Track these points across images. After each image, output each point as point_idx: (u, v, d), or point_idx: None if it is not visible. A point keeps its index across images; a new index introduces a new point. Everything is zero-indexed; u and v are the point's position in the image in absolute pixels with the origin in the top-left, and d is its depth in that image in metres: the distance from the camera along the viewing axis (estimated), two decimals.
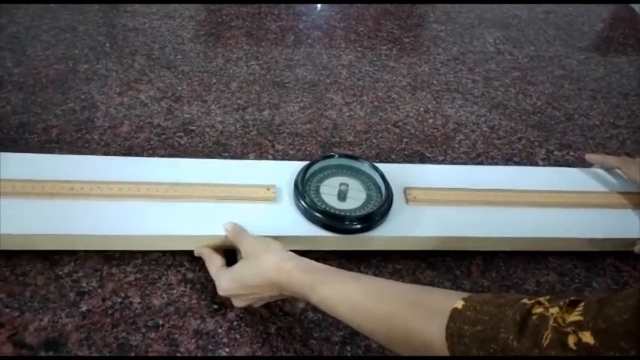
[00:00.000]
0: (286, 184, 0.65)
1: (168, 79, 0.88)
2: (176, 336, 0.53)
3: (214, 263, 0.56)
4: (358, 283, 0.48)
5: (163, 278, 0.58)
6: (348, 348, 0.55)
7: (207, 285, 0.58)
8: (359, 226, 0.61)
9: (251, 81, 0.91)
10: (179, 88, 0.86)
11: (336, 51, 1.04)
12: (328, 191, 0.65)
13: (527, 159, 0.84)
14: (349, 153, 0.75)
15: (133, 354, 0.51)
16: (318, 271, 0.50)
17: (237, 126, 0.80)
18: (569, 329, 0.33)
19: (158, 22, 1.03)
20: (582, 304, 0.34)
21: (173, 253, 0.61)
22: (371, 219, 0.62)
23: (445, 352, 0.39)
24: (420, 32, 1.18)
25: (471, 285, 0.64)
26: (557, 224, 0.66)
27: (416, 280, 0.63)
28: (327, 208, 0.62)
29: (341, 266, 0.55)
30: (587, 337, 0.32)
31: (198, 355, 0.52)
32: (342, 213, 0.62)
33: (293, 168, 0.67)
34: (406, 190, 0.67)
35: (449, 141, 0.84)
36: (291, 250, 0.53)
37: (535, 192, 0.69)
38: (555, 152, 0.86)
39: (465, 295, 0.42)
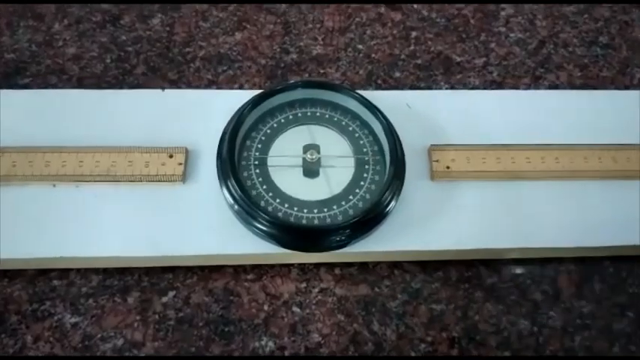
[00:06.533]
0: (209, 141, 0.35)
1: None
2: None
3: None
4: None
5: None
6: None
7: None
8: (344, 238, 0.32)
9: None
10: None
11: None
12: (283, 162, 0.34)
13: None
14: (319, 79, 0.42)
15: None
16: None
17: (108, 61, 0.44)
18: None
19: None
20: None
21: None
22: (365, 224, 0.32)
23: None
24: None
25: (564, 318, 0.36)
26: None
27: (472, 328, 0.35)
28: (284, 212, 0.32)
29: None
30: None
31: None
32: (314, 223, 0.32)
33: (223, 105, 0.36)
34: (431, 153, 0.35)
35: (489, 23, 0.48)
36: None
37: None
38: None
39: None
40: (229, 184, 0.31)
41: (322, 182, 0.33)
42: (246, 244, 0.32)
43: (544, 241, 0.34)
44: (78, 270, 0.35)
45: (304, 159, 0.34)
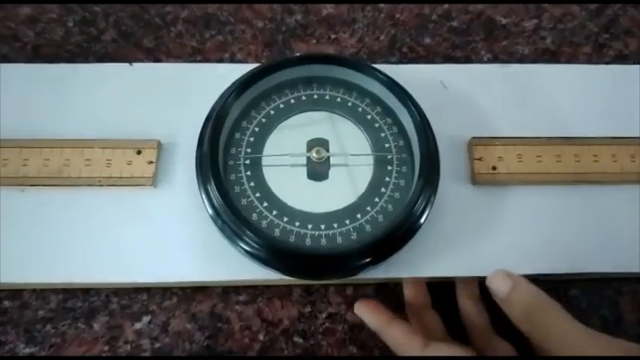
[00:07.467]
0: (188, 133, 0.28)
1: None
2: None
3: None
4: None
5: None
6: None
7: None
8: (360, 265, 0.25)
9: None
10: None
11: None
12: (282, 161, 0.27)
13: None
14: (328, 53, 0.34)
15: None
16: None
17: (70, 24, 0.35)
18: None
19: None
20: None
21: None
22: (387, 245, 0.25)
23: None
24: None
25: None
26: None
27: None
28: (282, 228, 0.25)
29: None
30: None
31: None
32: (320, 244, 0.25)
33: (208, 83, 0.28)
34: (472, 148, 0.27)
35: None
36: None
37: None
38: None
39: None
40: (209, 189, 0.24)
41: (332, 188, 0.26)
42: (233, 268, 0.25)
43: (616, 264, 0.26)
44: (33, 289, 0.28)
45: (309, 158, 0.26)
